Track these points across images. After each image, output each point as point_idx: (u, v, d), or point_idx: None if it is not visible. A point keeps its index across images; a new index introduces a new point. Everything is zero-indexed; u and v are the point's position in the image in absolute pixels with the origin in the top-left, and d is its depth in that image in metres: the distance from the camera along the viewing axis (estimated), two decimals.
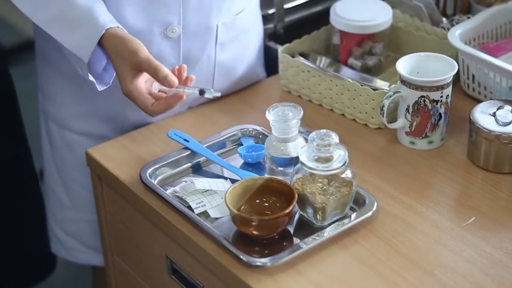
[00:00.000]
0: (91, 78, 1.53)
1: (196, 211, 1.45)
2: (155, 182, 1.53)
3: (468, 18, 1.82)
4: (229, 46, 1.73)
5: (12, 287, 2.18)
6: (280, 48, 1.79)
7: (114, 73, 1.52)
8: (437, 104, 1.57)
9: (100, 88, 1.55)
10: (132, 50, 1.47)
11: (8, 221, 2.08)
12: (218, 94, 1.50)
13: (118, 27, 1.51)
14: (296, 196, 1.38)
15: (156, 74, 1.47)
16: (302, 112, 1.49)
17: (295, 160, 1.49)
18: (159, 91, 1.50)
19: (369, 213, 1.43)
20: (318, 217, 1.41)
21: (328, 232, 1.40)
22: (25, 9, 1.53)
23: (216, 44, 1.70)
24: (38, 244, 2.11)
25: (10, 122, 2.03)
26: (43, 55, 1.77)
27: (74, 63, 1.56)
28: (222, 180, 1.52)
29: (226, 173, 1.57)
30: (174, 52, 1.65)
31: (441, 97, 1.57)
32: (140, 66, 1.47)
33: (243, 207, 1.42)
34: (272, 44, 1.90)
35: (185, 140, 1.60)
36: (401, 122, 1.61)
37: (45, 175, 1.88)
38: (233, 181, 1.51)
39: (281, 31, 1.95)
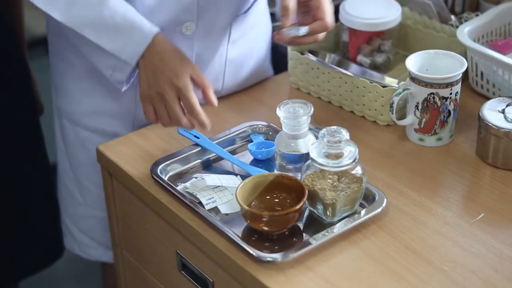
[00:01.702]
0: (124, 79, 1.57)
1: (207, 207, 1.46)
2: (166, 178, 1.54)
3: (477, 15, 1.83)
4: (240, 43, 1.74)
5: (19, 271, 2.18)
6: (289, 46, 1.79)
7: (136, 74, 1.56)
8: (446, 101, 1.57)
9: (125, 89, 1.59)
10: (185, 58, 1.53)
11: (19, 208, 2.08)
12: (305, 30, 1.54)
13: (159, 32, 1.54)
14: (306, 192, 1.39)
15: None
16: (312, 109, 1.50)
17: (305, 157, 1.50)
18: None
19: (379, 209, 1.44)
20: (328, 213, 1.42)
21: (338, 228, 1.40)
22: (54, 13, 1.53)
23: (228, 42, 1.71)
24: (46, 228, 2.12)
25: (26, 118, 2.04)
26: (56, 52, 1.78)
27: (101, 65, 1.58)
28: (232, 176, 1.53)
29: (237, 170, 1.57)
30: (187, 50, 1.65)
31: (450, 94, 1.57)
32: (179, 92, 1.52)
33: (253, 203, 1.43)
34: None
35: (195, 136, 1.60)
36: (410, 119, 1.62)
37: (58, 171, 1.89)
38: (243, 177, 1.51)
39: None
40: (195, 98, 1.51)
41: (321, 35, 1.56)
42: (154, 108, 1.54)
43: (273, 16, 1.90)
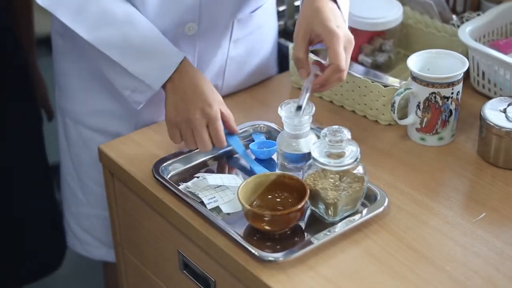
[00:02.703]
0: (143, 101, 1.60)
1: (209, 207, 1.46)
2: (168, 178, 1.54)
3: (478, 15, 1.83)
4: (243, 42, 1.74)
5: (20, 279, 2.19)
6: (290, 45, 1.79)
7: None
8: (447, 100, 1.58)
9: (139, 107, 1.62)
10: (208, 102, 1.54)
11: (18, 213, 2.09)
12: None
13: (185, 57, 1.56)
14: (308, 192, 1.39)
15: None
16: (314, 109, 1.50)
17: (307, 156, 1.50)
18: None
19: (380, 209, 1.44)
20: (329, 212, 1.42)
21: (340, 228, 1.40)
22: (81, 30, 1.54)
23: (230, 41, 1.71)
24: (47, 236, 2.12)
25: (27, 114, 2.05)
26: (60, 52, 1.78)
27: (121, 84, 1.59)
28: (234, 175, 1.53)
29: (238, 169, 1.58)
30: (189, 49, 1.66)
31: (452, 93, 1.57)
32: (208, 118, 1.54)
33: (255, 202, 1.43)
34: (282, 40, 1.91)
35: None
36: (412, 119, 1.62)
37: (61, 170, 1.90)
38: (245, 177, 1.52)
39: (292, 28, 1.95)
40: (221, 127, 1.55)
41: (337, 78, 1.47)
42: (180, 132, 1.56)
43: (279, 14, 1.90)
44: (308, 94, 1.47)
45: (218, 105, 1.55)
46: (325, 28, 1.44)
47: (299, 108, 1.47)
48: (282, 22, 1.93)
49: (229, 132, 1.58)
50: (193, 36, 1.65)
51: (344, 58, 1.44)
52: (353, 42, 1.48)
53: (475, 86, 1.76)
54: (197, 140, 1.55)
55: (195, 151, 1.59)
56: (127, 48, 1.54)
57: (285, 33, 1.93)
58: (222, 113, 1.56)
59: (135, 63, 1.55)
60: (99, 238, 1.88)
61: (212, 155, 1.60)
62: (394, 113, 1.60)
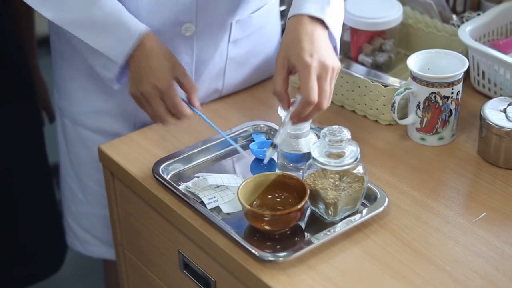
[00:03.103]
0: (113, 77, 1.58)
1: (209, 207, 1.46)
2: (168, 178, 1.54)
3: (478, 15, 1.83)
4: (243, 43, 1.74)
5: (20, 280, 2.19)
6: None
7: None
8: (447, 100, 1.58)
9: (117, 87, 1.60)
10: (173, 61, 1.53)
11: (19, 214, 2.09)
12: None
13: (148, 31, 1.54)
14: (308, 192, 1.39)
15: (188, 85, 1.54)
16: None
17: (306, 156, 1.50)
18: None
19: (381, 209, 1.44)
20: (329, 212, 1.42)
21: (340, 228, 1.40)
22: (47, 13, 1.55)
23: (229, 41, 1.71)
24: (47, 237, 2.13)
25: (27, 115, 2.05)
26: (57, 52, 1.78)
27: (94, 62, 1.60)
28: (234, 175, 1.53)
29: (238, 169, 1.58)
30: (188, 50, 1.66)
31: (452, 93, 1.57)
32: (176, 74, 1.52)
33: (255, 202, 1.43)
34: None
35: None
36: (412, 118, 1.62)
37: (60, 170, 1.90)
38: (245, 176, 1.52)
39: None
40: (177, 98, 1.52)
41: (314, 109, 1.42)
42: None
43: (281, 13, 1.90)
44: (284, 129, 1.44)
45: (171, 77, 1.52)
46: (298, 59, 1.40)
47: (274, 146, 1.45)
48: (282, 22, 1.93)
49: (189, 103, 1.55)
50: (190, 37, 1.65)
51: (313, 91, 1.39)
52: (331, 67, 1.41)
53: (475, 86, 1.76)
54: (151, 112, 1.54)
55: (195, 150, 1.59)
56: (90, 25, 1.54)
57: (283, 33, 1.93)
58: (181, 84, 1.54)
59: (97, 38, 1.54)
60: (99, 237, 1.88)
61: (212, 155, 1.60)
62: (394, 113, 1.60)
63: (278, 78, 1.44)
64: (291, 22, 1.46)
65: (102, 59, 1.57)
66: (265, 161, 1.49)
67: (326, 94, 1.41)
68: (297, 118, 1.43)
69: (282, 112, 1.49)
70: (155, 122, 1.71)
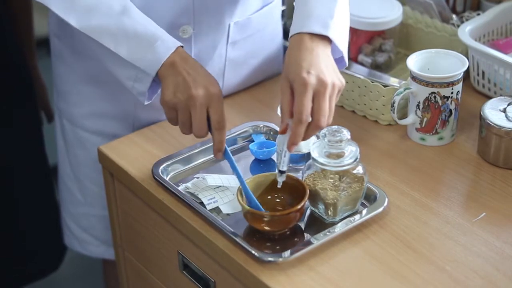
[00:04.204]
0: (145, 90, 1.49)
1: (208, 207, 1.46)
2: (167, 179, 1.54)
3: (478, 14, 1.83)
4: (242, 44, 1.74)
5: (20, 279, 2.19)
6: None
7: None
8: (447, 100, 1.57)
9: (147, 102, 1.51)
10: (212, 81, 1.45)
11: (18, 214, 2.09)
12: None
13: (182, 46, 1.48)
14: (308, 192, 1.39)
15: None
16: None
17: (306, 157, 1.50)
18: None
19: (380, 209, 1.44)
20: (329, 213, 1.42)
21: (339, 228, 1.40)
22: (72, 20, 1.49)
23: (227, 43, 1.71)
24: (47, 237, 2.13)
25: (27, 115, 2.06)
26: (57, 54, 1.78)
27: (122, 75, 1.50)
28: (234, 176, 1.53)
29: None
30: None
31: (452, 93, 1.57)
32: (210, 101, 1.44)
33: None
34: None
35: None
36: (412, 119, 1.62)
37: (59, 171, 1.90)
38: (244, 177, 1.51)
39: None
40: (223, 111, 1.44)
41: (312, 128, 1.36)
42: (177, 114, 1.46)
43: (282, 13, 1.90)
44: (287, 157, 1.39)
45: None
46: (295, 77, 1.36)
47: (281, 172, 1.41)
48: (282, 23, 1.93)
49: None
50: (188, 39, 1.64)
51: (306, 109, 1.33)
52: (331, 84, 1.36)
53: (475, 86, 1.76)
54: (194, 121, 1.43)
55: (195, 151, 1.58)
56: (120, 34, 1.47)
57: (284, 33, 1.93)
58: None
59: (128, 49, 1.47)
60: (97, 237, 1.88)
61: (212, 156, 1.59)
62: (394, 113, 1.60)
63: (283, 99, 1.38)
64: (292, 42, 1.41)
65: (132, 71, 1.48)
66: (279, 185, 1.43)
67: (323, 112, 1.35)
68: (294, 144, 1.36)
69: (280, 139, 1.41)
70: (154, 123, 1.71)
